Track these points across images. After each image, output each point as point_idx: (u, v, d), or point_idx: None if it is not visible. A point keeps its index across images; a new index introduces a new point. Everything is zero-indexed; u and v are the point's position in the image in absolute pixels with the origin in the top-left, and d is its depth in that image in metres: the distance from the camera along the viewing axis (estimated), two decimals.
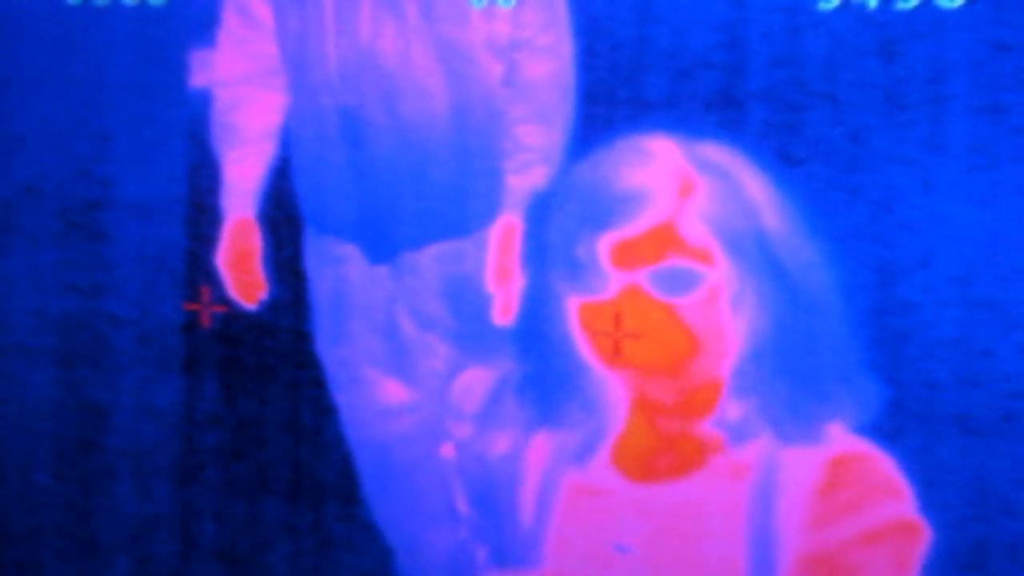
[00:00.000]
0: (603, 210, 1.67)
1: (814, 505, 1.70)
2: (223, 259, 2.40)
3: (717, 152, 1.74)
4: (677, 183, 1.69)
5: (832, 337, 1.77)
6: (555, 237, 1.70)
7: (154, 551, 2.44)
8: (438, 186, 2.27)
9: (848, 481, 1.73)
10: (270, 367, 2.38)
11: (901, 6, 2.03)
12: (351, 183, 2.33)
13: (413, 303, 2.34)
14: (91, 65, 2.40)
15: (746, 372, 1.70)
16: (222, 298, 2.37)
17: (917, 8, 2.02)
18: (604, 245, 1.65)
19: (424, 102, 2.27)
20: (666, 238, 1.68)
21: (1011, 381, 2.00)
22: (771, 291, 1.70)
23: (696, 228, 1.68)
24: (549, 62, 2.20)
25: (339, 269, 2.38)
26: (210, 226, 2.37)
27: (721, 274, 1.67)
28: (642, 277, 1.66)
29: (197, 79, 2.40)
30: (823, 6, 2.06)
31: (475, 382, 2.20)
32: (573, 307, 1.73)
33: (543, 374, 1.80)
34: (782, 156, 2.07)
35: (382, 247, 2.34)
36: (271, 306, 2.39)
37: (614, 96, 2.14)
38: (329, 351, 2.38)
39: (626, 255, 1.67)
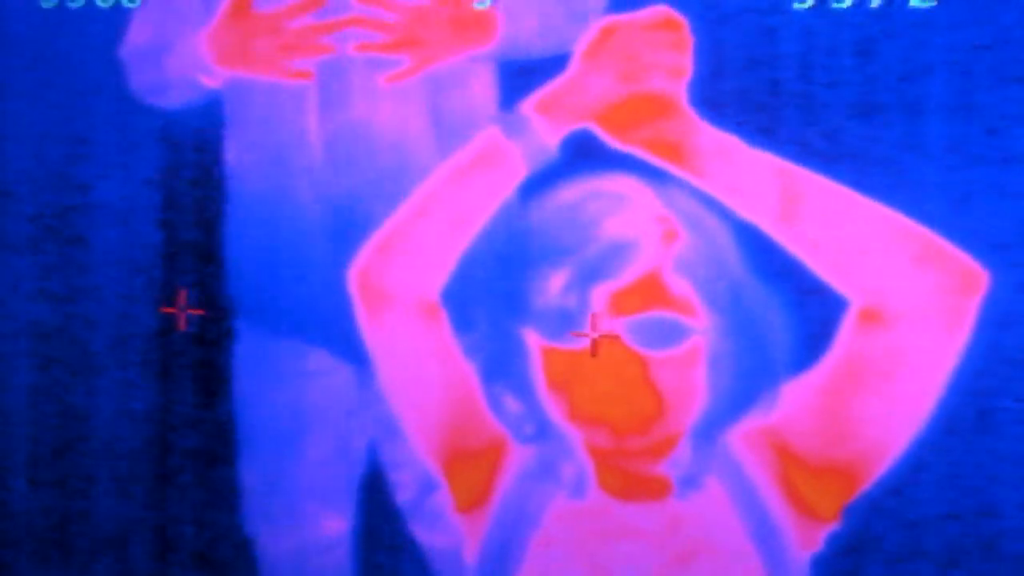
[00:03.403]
0: (593, 261, 1.67)
1: None
2: None
3: (688, 198, 1.72)
4: (660, 230, 1.68)
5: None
6: (533, 287, 1.70)
7: (132, 555, 2.44)
8: None
9: None
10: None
11: (875, 6, 2.03)
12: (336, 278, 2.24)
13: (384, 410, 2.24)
14: (66, 68, 2.39)
15: (706, 423, 1.75)
16: (198, 302, 2.36)
17: (891, 8, 2.03)
18: (597, 296, 1.66)
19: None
20: (651, 288, 1.68)
21: (985, 378, 2.00)
22: (741, 345, 1.72)
23: (678, 278, 1.67)
24: None
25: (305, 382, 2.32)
26: (186, 230, 2.36)
27: (702, 329, 1.68)
28: (622, 327, 1.66)
29: None
30: (797, 6, 2.07)
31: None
32: (539, 353, 1.74)
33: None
34: None
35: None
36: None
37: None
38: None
39: (613, 305, 1.67)
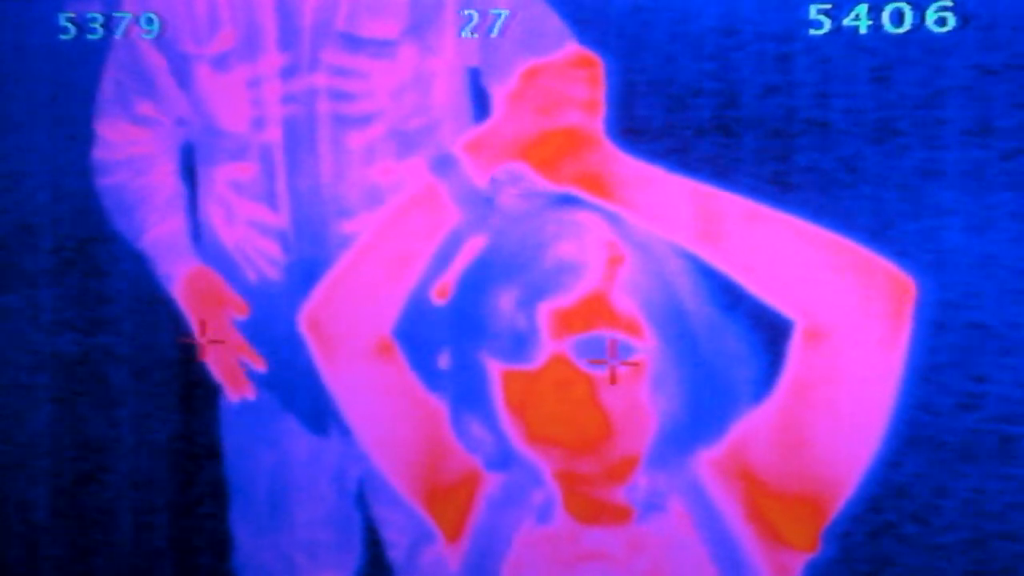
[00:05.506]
0: (538, 280, 1.67)
1: None
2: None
3: (640, 227, 1.73)
4: (607, 253, 1.69)
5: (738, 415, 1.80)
6: (486, 309, 1.70)
7: None
8: None
9: None
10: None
11: (891, 31, 2.03)
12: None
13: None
14: (85, 100, 2.40)
15: (660, 449, 1.75)
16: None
17: (908, 33, 2.02)
18: (542, 314, 1.66)
19: None
20: (597, 307, 1.68)
21: (1007, 405, 2.00)
22: (688, 370, 1.72)
23: (624, 299, 1.69)
24: None
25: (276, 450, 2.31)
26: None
27: (647, 349, 1.69)
28: (569, 346, 1.67)
29: None
30: (814, 32, 2.06)
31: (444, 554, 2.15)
32: (498, 376, 1.75)
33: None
34: (774, 183, 2.07)
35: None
36: None
37: (606, 125, 2.14)
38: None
39: (559, 324, 1.67)
